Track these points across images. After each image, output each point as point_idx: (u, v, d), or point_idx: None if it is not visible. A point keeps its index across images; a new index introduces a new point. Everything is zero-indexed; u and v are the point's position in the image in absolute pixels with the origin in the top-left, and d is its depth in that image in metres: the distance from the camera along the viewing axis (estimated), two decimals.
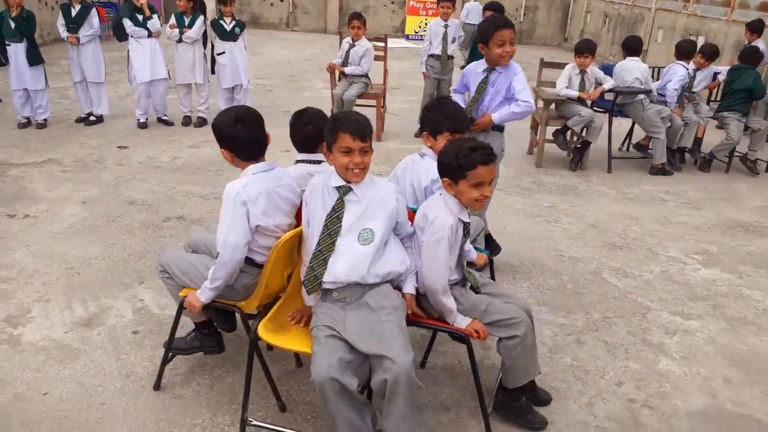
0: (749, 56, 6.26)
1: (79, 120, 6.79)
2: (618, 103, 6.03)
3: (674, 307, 3.63)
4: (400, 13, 16.08)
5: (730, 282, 3.99)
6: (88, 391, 2.65)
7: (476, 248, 2.83)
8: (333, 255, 2.28)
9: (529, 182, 5.67)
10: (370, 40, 6.58)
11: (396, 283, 2.39)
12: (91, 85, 6.59)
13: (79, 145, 6.07)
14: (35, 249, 3.91)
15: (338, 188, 2.33)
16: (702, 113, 6.33)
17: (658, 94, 6.18)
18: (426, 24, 14.63)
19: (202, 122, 6.91)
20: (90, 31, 6.38)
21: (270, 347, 2.87)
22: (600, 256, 4.22)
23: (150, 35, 6.47)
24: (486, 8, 6.15)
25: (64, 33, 6.33)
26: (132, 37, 6.46)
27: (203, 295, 2.43)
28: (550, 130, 6.13)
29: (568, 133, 6.09)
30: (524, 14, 16.09)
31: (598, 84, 5.83)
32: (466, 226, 2.42)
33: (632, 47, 6.13)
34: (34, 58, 6.25)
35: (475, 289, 2.52)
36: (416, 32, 15.63)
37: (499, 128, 3.67)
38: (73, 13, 6.30)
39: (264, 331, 2.31)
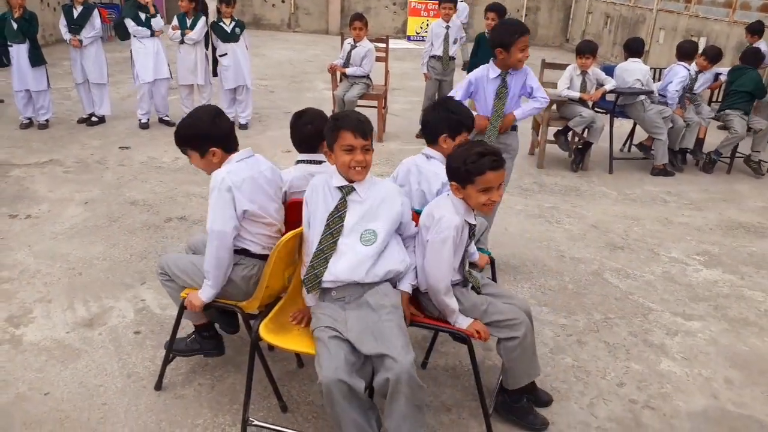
0: (751, 57, 6.28)
1: (81, 121, 6.80)
2: (619, 104, 6.04)
3: (675, 307, 3.63)
4: (401, 14, 16.09)
5: (731, 283, 3.99)
6: (90, 391, 2.66)
7: (479, 248, 2.82)
8: (335, 254, 2.28)
9: (531, 183, 5.67)
10: (371, 41, 6.57)
11: (395, 282, 2.38)
12: (94, 86, 6.60)
13: (81, 145, 6.08)
14: (37, 249, 3.92)
15: (341, 188, 2.32)
16: (703, 114, 6.33)
17: (659, 94, 6.18)
18: (427, 25, 14.61)
19: None
20: (92, 32, 6.39)
21: (271, 347, 2.86)
22: (601, 257, 4.22)
23: (153, 34, 6.49)
24: (488, 10, 6.12)
25: (66, 34, 6.34)
26: (135, 37, 6.47)
27: (204, 293, 2.44)
28: (552, 130, 6.14)
29: (570, 133, 6.10)
30: (526, 15, 16.07)
31: (600, 85, 5.82)
32: (471, 228, 2.41)
33: (634, 49, 6.13)
34: (36, 59, 6.27)
35: (476, 290, 2.52)
36: (417, 33, 15.63)
37: (514, 127, 3.79)
38: (75, 14, 6.31)
39: (265, 332, 2.31)
